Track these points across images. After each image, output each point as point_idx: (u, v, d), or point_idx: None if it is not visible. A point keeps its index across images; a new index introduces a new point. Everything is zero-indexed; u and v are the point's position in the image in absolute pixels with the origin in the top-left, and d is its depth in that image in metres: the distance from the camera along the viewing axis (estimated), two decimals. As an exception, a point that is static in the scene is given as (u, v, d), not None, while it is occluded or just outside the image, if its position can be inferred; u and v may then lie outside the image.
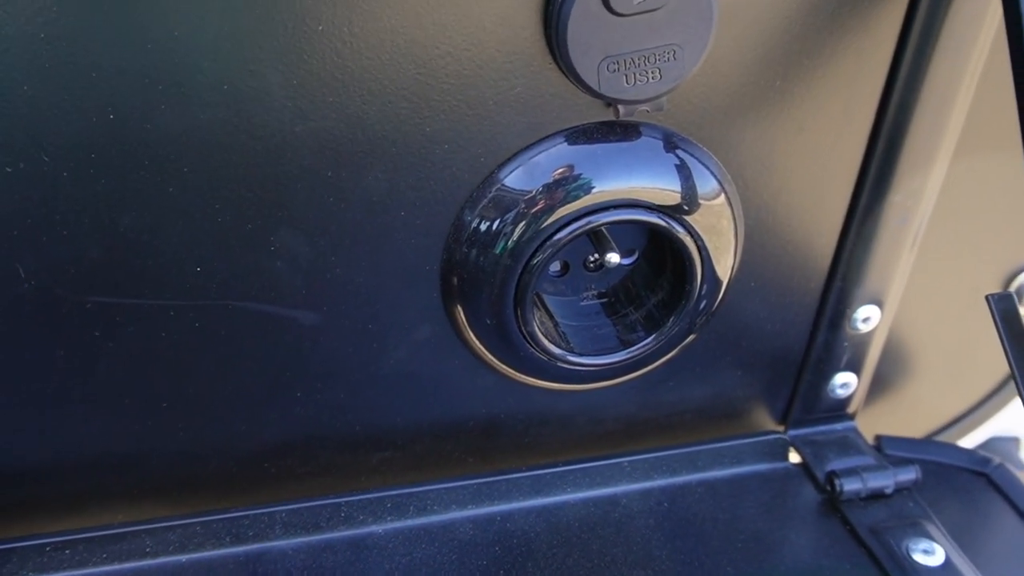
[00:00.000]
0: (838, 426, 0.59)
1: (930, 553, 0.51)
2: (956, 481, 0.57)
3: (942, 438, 0.68)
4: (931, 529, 0.52)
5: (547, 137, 0.44)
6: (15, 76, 0.37)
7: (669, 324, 0.49)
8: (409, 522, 0.51)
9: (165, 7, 0.37)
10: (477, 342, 0.49)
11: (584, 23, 0.40)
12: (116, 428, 0.48)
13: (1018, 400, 0.62)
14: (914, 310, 0.58)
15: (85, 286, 0.43)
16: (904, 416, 0.64)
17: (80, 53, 0.37)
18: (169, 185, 0.41)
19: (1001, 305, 0.42)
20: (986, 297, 0.42)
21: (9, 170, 0.39)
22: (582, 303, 0.50)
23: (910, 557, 0.51)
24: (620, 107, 0.43)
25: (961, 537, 0.53)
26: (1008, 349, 0.41)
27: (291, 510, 0.51)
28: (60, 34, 0.37)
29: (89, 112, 0.39)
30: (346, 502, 0.51)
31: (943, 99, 0.47)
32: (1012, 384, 0.65)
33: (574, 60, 0.40)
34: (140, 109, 0.39)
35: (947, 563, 0.51)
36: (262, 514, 0.51)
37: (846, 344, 0.55)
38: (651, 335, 0.49)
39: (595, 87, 0.41)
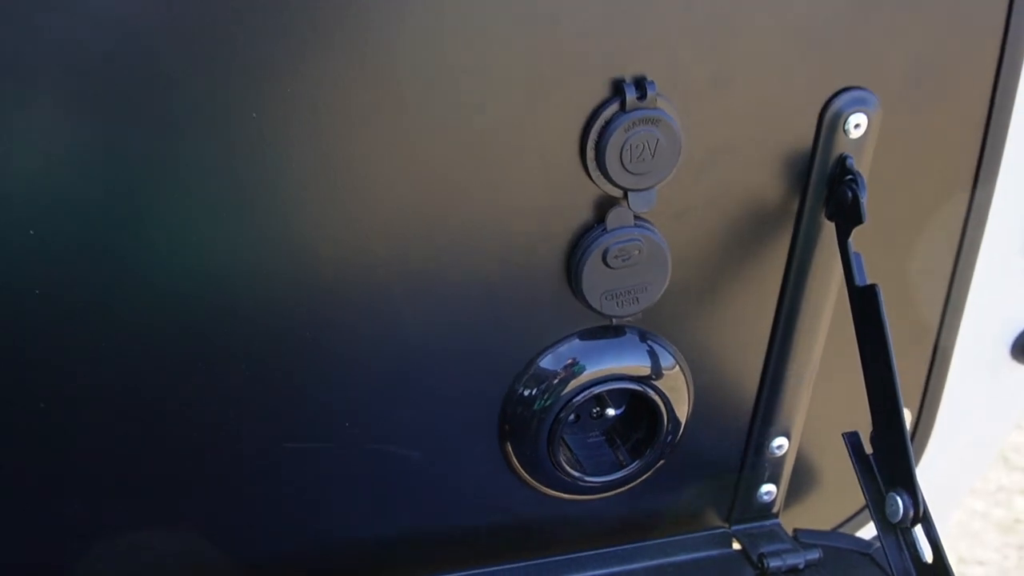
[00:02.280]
0: (767, 523, 0.83)
1: (828, 607, 0.75)
2: (849, 559, 0.82)
3: (851, 526, 0.92)
4: (829, 591, 0.77)
5: (567, 336, 0.70)
6: (238, 345, 0.63)
7: (647, 453, 0.74)
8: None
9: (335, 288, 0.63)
10: (521, 468, 0.73)
11: (592, 273, 0.66)
12: (296, 529, 0.71)
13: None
14: (816, 435, 0.83)
15: (287, 437, 0.67)
16: (820, 510, 0.89)
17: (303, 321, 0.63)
18: (345, 396, 0.66)
19: (851, 440, 0.67)
20: (842, 435, 0.68)
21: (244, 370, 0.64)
22: (589, 440, 0.75)
23: (814, 609, 0.75)
24: (613, 319, 0.69)
25: (851, 597, 0.77)
26: (858, 473, 0.67)
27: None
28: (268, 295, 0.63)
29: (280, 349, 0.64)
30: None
31: (816, 307, 0.73)
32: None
33: (586, 295, 0.66)
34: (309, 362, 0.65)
35: (838, 613, 0.75)
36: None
37: (766, 464, 0.80)
38: (635, 461, 0.74)
39: (598, 309, 0.67)
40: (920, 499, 0.63)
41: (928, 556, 0.62)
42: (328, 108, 0.57)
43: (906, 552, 0.64)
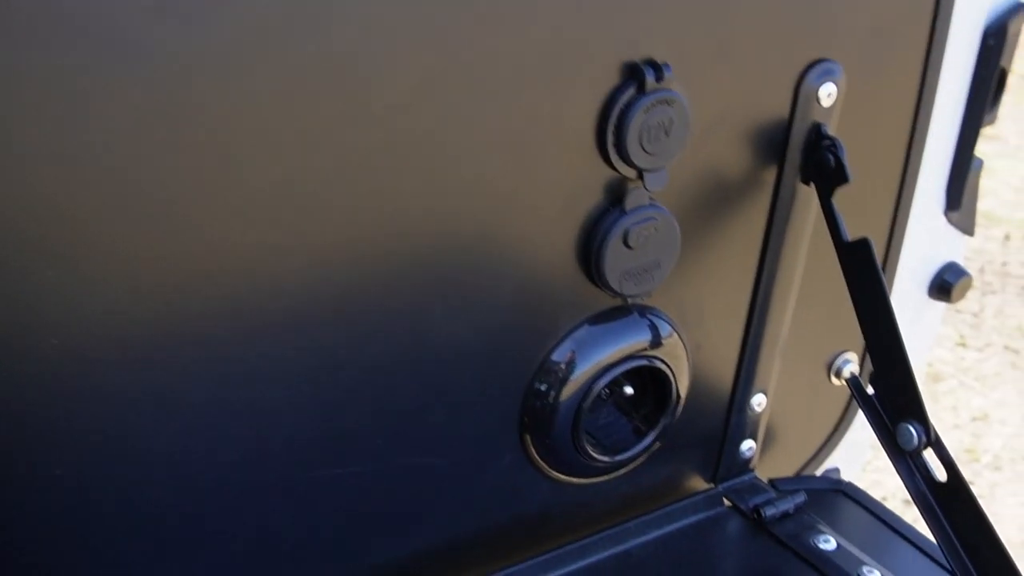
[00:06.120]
0: (746, 477, 0.88)
1: (828, 542, 0.81)
2: (827, 497, 0.88)
3: (810, 467, 0.98)
4: (823, 528, 0.82)
5: (579, 325, 0.71)
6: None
7: (660, 421, 0.76)
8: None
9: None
10: (539, 459, 0.74)
11: (613, 255, 0.67)
12: (323, 542, 0.69)
13: (840, 444, 0.95)
14: (780, 394, 0.88)
15: (318, 450, 0.65)
16: (783, 458, 0.94)
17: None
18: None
19: (854, 383, 0.73)
20: (845, 380, 0.73)
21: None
22: (601, 422, 0.77)
23: (817, 547, 0.80)
24: (630, 298, 0.71)
25: (839, 529, 0.83)
26: (864, 411, 0.72)
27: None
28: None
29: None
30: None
31: (790, 269, 0.78)
32: (836, 435, 0.96)
33: (607, 276, 0.68)
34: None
35: (838, 547, 0.80)
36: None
37: (748, 422, 0.84)
38: (651, 430, 0.77)
39: (618, 290, 0.69)
40: (931, 426, 0.69)
41: (942, 476, 0.69)
42: (348, 96, 0.56)
43: (918, 475, 0.70)
